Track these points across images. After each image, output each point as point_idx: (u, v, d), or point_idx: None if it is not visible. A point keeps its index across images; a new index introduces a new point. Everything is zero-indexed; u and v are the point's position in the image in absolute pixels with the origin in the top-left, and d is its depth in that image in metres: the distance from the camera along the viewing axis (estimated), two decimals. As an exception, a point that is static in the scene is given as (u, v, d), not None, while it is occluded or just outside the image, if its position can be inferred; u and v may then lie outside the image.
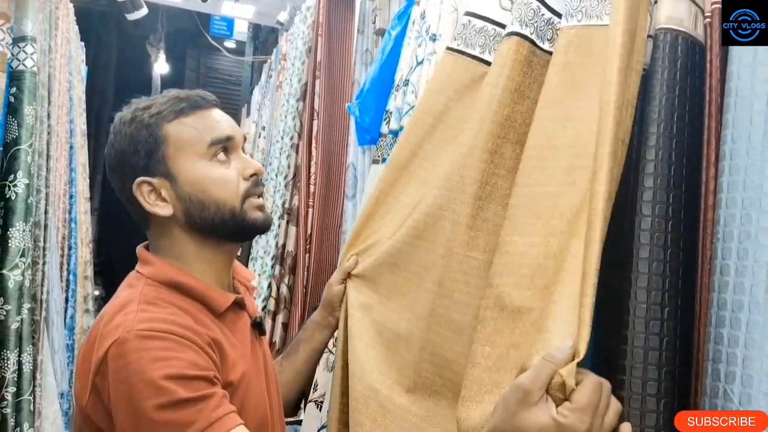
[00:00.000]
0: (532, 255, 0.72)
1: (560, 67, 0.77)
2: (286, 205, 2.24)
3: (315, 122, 2.14)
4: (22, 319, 1.10)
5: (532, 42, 0.83)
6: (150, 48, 6.39)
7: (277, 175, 2.45)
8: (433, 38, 1.30)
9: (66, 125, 2.43)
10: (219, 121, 0.87)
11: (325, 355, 1.23)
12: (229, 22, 5.32)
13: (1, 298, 1.09)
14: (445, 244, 0.87)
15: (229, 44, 5.89)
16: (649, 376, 0.66)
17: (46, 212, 1.40)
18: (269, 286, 2.16)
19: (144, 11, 3.54)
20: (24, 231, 1.12)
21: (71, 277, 2.36)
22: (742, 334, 0.61)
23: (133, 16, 3.56)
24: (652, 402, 0.66)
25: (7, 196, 1.14)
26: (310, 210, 2.08)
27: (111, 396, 0.72)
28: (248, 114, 4.41)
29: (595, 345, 0.87)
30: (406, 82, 1.40)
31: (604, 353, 0.71)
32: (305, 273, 2.02)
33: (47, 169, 1.55)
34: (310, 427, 1.46)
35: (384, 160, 1.47)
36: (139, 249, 0.89)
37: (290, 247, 2.13)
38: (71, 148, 2.55)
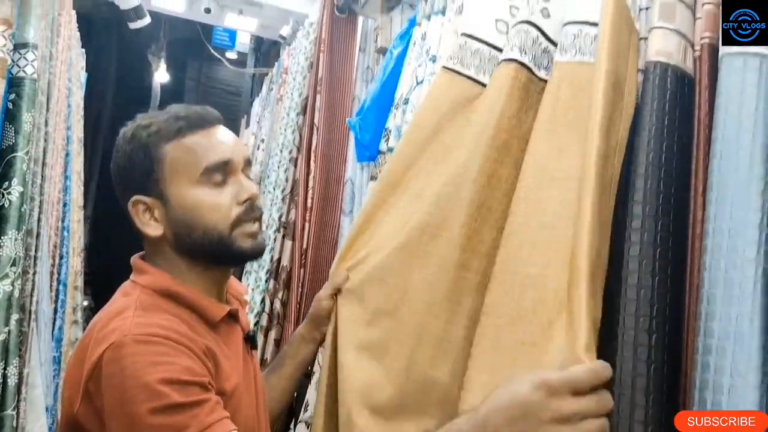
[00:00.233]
0: (532, 286, 0.73)
1: (553, 99, 0.79)
2: (283, 219, 2.24)
3: (314, 137, 2.16)
4: (9, 331, 1.09)
5: (530, 70, 0.85)
6: (151, 57, 6.42)
7: (274, 189, 2.46)
8: (433, 59, 1.32)
9: (63, 132, 2.43)
10: (218, 143, 0.85)
11: (317, 375, 1.23)
12: (232, 34, 5.35)
13: (-11, 308, 1.08)
14: (438, 263, 0.87)
15: (231, 55, 5.93)
16: (637, 403, 0.67)
17: (39, 220, 1.39)
18: (262, 301, 2.15)
19: (147, 20, 3.56)
20: (16, 240, 1.12)
21: (61, 287, 2.34)
22: (728, 363, 0.62)
23: (135, 25, 3.58)
24: (639, 429, 0.67)
25: (1, 204, 1.13)
26: (307, 224, 2.08)
27: (105, 400, 0.72)
28: (247, 125, 4.43)
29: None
30: (406, 101, 1.42)
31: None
32: (300, 288, 2.01)
33: (42, 176, 1.54)
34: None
35: (382, 177, 1.48)
36: (134, 259, 0.89)
37: (285, 261, 2.12)
38: (67, 155, 2.55)
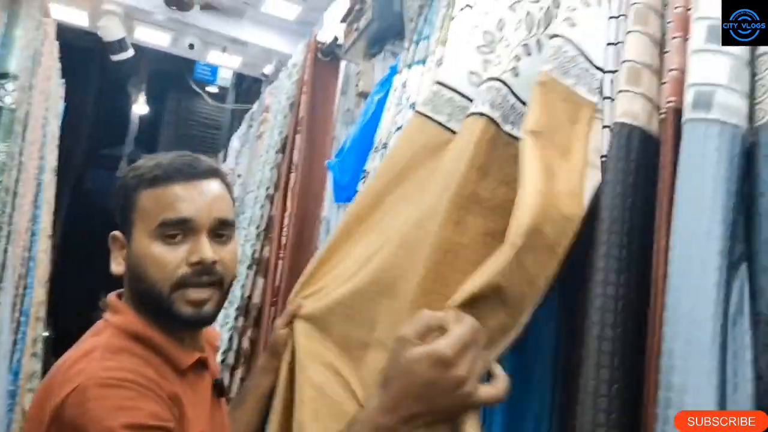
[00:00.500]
0: None
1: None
2: (256, 256, 2.23)
3: (293, 175, 2.18)
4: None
5: (498, 125, 0.89)
6: (131, 88, 6.42)
7: (249, 225, 2.45)
8: (413, 106, 1.36)
9: (36, 161, 2.41)
10: (184, 199, 0.83)
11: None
12: (214, 68, 5.38)
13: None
14: (405, 304, 0.88)
15: (212, 89, 5.96)
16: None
17: (5, 251, 1.37)
18: (230, 338, 2.12)
19: (130, 53, 3.58)
20: (-18, 270, 1.09)
21: (23, 318, 2.27)
22: (688, 417, 0.63)
23: (118, 57, 3.59)
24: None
25: (-31, 233, 1.11)
26: (280, 262, 2.07)
27: None
28: (225, 160, 4.43)
29: (549, 423, 0.89)
30: (385, 146, 1.45)
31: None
32: (270, 326, 1.99)
33: (12, 206, 1.52)
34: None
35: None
36: (111, 296, 0.89)
37: (256, 299, 2.10)
38: (39, 184, 2.51)
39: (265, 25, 3.26)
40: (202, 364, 0.89)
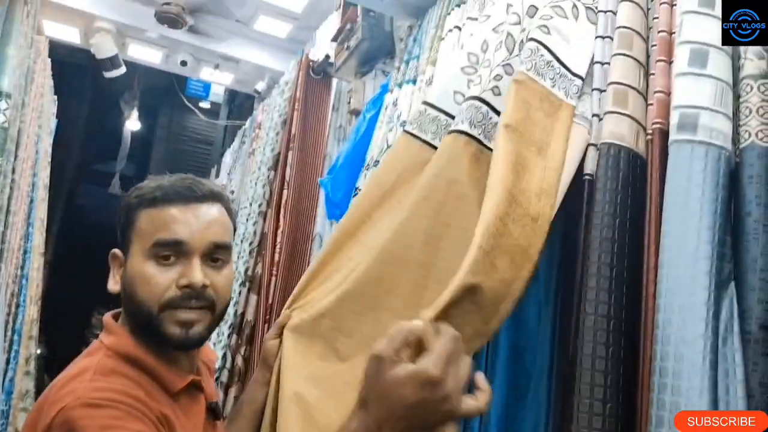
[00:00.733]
0: None
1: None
2: (249, 273, 2.23)
3: (285, 191, 2.18)
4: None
5: (480, 141, 0.91)
6: (124, 104, 6.41)
7: (242, 242, 2.45)
8: (404, 124, 1.38)
9: (29, 179, 2.40)
10: (179, 221, 0.83)
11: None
12: (206, 84, 5.40)
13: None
14: (386, 314, 0.90)
15: (204, 105, 5.97)
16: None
17: (-1, 270, 1.36)
18: (224, 356, 2.11)
19: (122, 70, 3.58)
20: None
21: (15, 337, 2.25)
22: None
23: (111, 74, 3.59)
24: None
25: (-39, 253, 1.11)
26: (273, 279, 2.07)
27: None
28: (217, 176, 4.43)
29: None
30: (377, 163, 1.47)
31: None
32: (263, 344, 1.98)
33: (5, 224, 1.52)
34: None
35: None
36: (106, 317, 0.89)
37: (249, 316, 2.10)
38: (31, 201, 2.50)
39: (258, 42, 3.28)
40: (195, 387, 0.88)
